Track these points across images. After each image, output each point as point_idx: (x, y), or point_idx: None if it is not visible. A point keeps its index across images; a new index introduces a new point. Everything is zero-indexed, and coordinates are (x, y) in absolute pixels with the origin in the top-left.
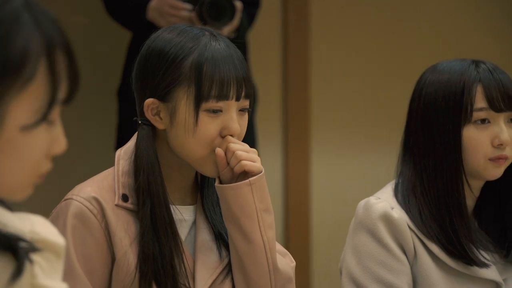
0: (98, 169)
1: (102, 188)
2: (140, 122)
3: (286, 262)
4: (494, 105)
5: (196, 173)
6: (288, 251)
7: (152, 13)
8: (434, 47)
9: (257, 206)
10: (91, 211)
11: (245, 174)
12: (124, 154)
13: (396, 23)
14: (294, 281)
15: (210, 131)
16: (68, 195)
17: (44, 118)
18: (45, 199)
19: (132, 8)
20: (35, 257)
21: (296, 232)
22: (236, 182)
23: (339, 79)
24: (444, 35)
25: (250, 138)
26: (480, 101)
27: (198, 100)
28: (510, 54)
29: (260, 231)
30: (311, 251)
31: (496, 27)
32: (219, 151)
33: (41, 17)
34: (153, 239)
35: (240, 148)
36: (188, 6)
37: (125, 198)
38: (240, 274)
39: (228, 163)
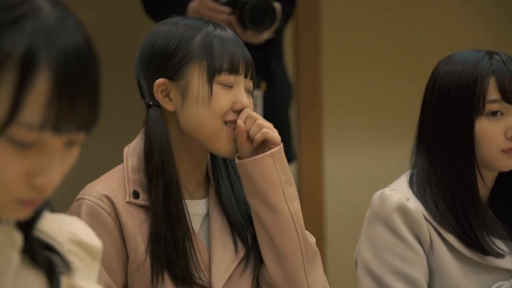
0: (108, 168)
1: (112, 186)
2: (151, 103)
3: (310, 235)
4: (507, 97)
5: (207, 166)
6: None
7: (191, 14)
8: (445, 39)
9: (280, 177)
10: (104, 209)
11: (263, 149)
12: (132, 150)
13: (406, 16)
14: (319, 255)
15: (224, 102)
16: (79, 196)
17: None
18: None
19: (172, 9)
20: (72, 258)
21: (309, 224)
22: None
23: (351, 70)
24: (454, 27)
25: (287, 132)
26: (493, 93)
27: (212, 72)
28: None
29: (286, 202)
30: (325, 242)
31: (505, 24)
32: (240, 122)
33: (49, 29)
34: (165, 220)
35: (260, 117)
36: (227, 9)
37: (136, 195)
38: (270, 250)
39: (247, 137)
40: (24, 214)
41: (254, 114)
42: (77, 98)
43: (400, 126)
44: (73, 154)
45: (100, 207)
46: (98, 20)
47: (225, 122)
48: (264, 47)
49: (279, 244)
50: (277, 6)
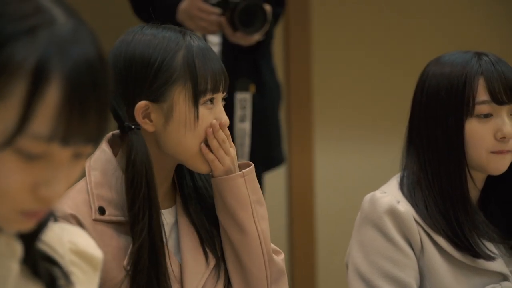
0: None
1: (77, 203)
2: (133, 127)
3: (277, 256)
4: (496, 98)
5: (173, 174)
6: (293, 244)
7: (181, 15)
8: (435, 39)
9: (250, 197)
10: None
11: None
12: (94, 164)
13: (397, 15)
14: (285, 274)
15: (207, 123)
16: None
17: (5, 144)
18: None
19: (162, 10)
20: (72, 268)
21: (300, 225)
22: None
23: (341, 72)
24: (446, 27)
25: (276, 134)
26: (482, 94)
27: (197, 95)
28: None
29: (254, 221)
30: (315, 244)
31: (498, 19)
32: (203, 145)
33: (62, 40)
34: (150, 250)
35: (221, 139)
36: (217, 10)
37: (101, 211)
38: (236, 267)
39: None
40: (28, 226)
41: (223, 136)
42: (87, 110)
43: (392, 126)
44: (80, 166)
45: None
46: (90, 21)
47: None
48: (254, 49)
49: (244, 262)
50: (268, 8)
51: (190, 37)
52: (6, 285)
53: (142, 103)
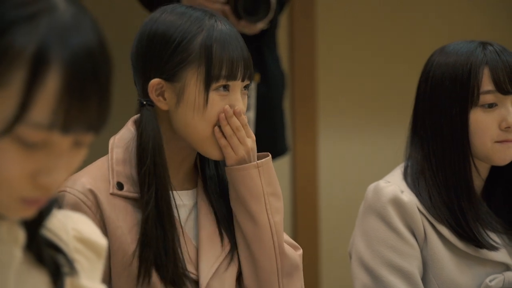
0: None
1: (96, 178)
2: (144, 102)
3: (292, 249)
4: (501, 88)
5: (196, 156)
6: (297, 234)
7: (185, 3)
8: (440, 30)
9: (264, 189)
10: (85, 203)
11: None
12: (118, 141)
13: (402, 7)
14: (301, 269)
15: (218, 109)
16: (62, 187)
17: (4, 132)
18: None
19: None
20: (76, 255)
21: (304, 216)
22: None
23: (346, 63)
24: (450, 17)
25: (281, 123)
26: (487, 84)
27: (209, 80)
28: (511, 39)
29: (267, 213)
30: (319, 234)
31: (498, 12)
32: (216, 129)
33: (62, 27)
34: (157, 223)
35: (235, 126)
36: None
37: (120, 186)
38: (247, 258)
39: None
40: (28, 213)
41: (236, 119)
42: (87, 98)
43: (397, 116)
44: (80, 155)
45: (82, 201)
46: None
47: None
48: (259, 37)
49: (255, 253)
50: None
51: (216, 20)
52: (9, 271)
53: (155, 81)
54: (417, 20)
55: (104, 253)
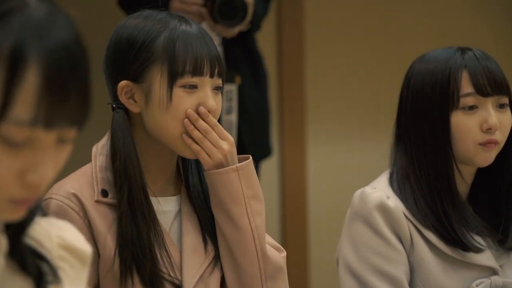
0: (77, 167)
1: (81, 184)
2: (114, 106)
3: (276, 252)
4: (481, 90)
5: (177, 162)
6: (286, 241)
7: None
8: (428, 34)
9: (244, 192)
10: (72, 208)
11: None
12: (101, 149)
13: (390, 11)
14: (285, 271)
15: (185, 106)
16: (47, 195)
17: None
18: None
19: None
20: (61, 263)
21: (293, 222)
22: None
23: (334, 67)
24: (437, 23)
25: (265, 126)
26: (466, 87)
27: (173, 76)
28: (503, 40)
29: (248, 217)
30: (308, 241)
31: (489, 14)
32: (185, 134)
33: (37, 24)
34: (131, 223)
35: (203, 129)
36: (199, 0)
37: (104, 193)
38: (229, 263)
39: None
40: (18, 214)
41: (208, 124)
42: (67, 93)
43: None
44: (66, 151)
45: (68, 206)
46: (81, 17)
47: None
48: (239, 39)
49: (237, 257)
50: (249, 0)
51: (179, 21)
52: None
53: (123, 83)
54: (407, 24)
55: (88, 260)
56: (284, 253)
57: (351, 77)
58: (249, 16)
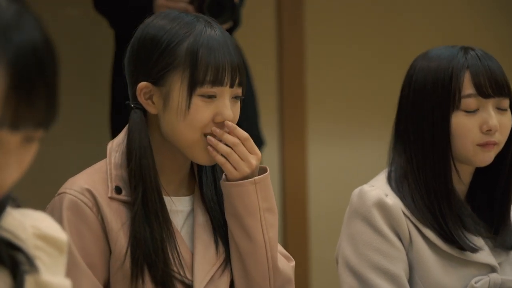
0: (91, 162)
1: (95, 180)
2: (132, 105)
3: (286, 262)
4: (482, 91)
5: (192, 162)
6: (286, 240)
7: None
8: (429, 33)
9: (260, 205)
10: (85, 204)
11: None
12: (116, 146)
13: (391, 10)
14: (293, 282)
15: (203, 115)
16: (61, 189)
17: None
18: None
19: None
20: (37, 252)
21: (293, 222)
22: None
23: (334, 68)
24: (438, 22)
25: (254, 116)
26: (468, 88)
27: (193, 85)
28: (503, 40)
29: (262, 230)
30: (309, 240)
31: (489, 14)
32: (210, 145)
33: (4, 25)
34: (144, 223)
35: (231, 143)
36: None
37: (118, 190)
38: (240, 270)
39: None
40: None
41: (236, 136)
42: (34, 95)
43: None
44: (32, 151)
45: (82, 201)
46: (81, 16)
47: (205, 134)
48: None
49: (248, 267)
50: None
51: (206, 25)
52: None
53: (142, 84)
54: (407, 23)
55: (65, 247)
56: (293, 263)
57: (351, 77)
58: (237, 14)
